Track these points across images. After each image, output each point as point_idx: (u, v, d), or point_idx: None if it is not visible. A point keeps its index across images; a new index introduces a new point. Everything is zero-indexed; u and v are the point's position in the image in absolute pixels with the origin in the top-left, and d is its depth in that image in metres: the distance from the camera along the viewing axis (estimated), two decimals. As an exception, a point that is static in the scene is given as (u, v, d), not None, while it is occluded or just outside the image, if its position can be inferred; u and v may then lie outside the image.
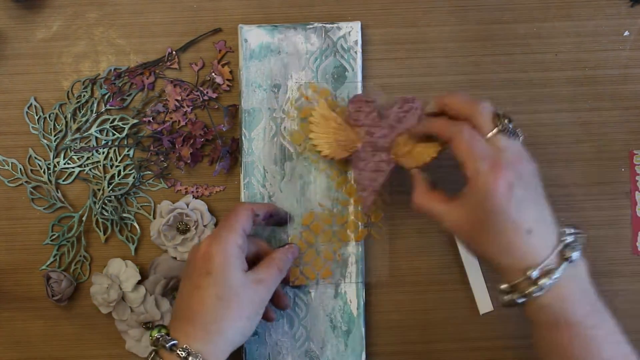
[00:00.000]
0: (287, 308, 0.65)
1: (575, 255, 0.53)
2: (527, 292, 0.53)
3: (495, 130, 0.54)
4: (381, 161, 0.62)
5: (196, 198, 0.68)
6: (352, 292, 0.67)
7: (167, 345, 0.54)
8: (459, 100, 0.57)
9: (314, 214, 0.66)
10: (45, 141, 0.68)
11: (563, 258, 0.53)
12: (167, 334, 0.55)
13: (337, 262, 0.66)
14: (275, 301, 0.64)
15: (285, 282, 0.65)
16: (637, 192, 0.68)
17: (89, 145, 0.68)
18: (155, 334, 0.55)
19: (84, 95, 0.67)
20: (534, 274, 0.52)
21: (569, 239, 0.54)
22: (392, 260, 0.68)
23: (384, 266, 0.68)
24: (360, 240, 0.66)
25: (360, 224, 0.66)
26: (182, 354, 0.53)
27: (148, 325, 0.66)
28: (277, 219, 0.65)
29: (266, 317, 0.63)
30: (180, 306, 0.57)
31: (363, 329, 0.67)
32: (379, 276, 0.68)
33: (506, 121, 0.54)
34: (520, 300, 0.53)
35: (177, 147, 0.67)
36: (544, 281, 0.52)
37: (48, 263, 0.68)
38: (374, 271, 0.68)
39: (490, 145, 0.54)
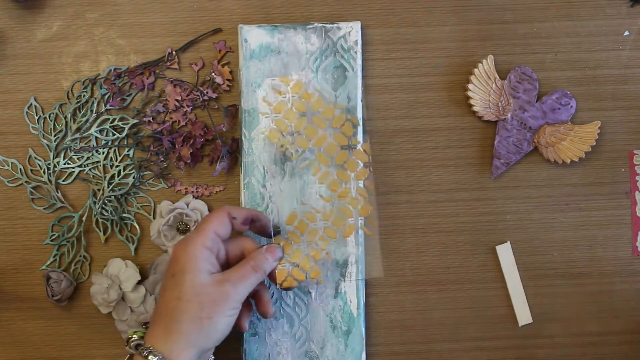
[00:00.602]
0: (269, 317, 0.62)
1: None
2: None
3: None
4: (524, 140, 0.65)
5: (196, 198, 0.68)
6: (352, 292, 0.67)
7: (133, 345, 0.57)
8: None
9: (297, 212, 0.65)
10: (45, 141, 0.68)
11: None
12: (141, 337, 0.58)
13: (327, 261, 0.65)
14: (258, 308, 0.62)
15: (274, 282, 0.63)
16: (637, 192, 0.68)
17: (89, 145, 0.68)
18: (131, 334, 0.58)
19: (84, 95, 0.67)
20: None
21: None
22: (389, 258, 0.68)
23: (377, 263, 0.67)
24: (349, 236, 0.65)
25: (348, 220, 0.64)
26: (144, 353, 0.54)
27: (148, 325, 0.66)
28: (260, 227, 0.63)
29: (238, 324, 0.60)
30: (154, 309, 0.58)
31: (363, 329, 0.67)
32: (372, 273, 0.67)
33: None
34: None
35: (177, 147, 0.67)
36: None
37: (48, 263, 0.68)
38: (367, 268, 0.67)
39: None
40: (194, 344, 0.55)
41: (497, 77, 0.67)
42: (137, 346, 0.57)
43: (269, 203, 0.66)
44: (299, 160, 0.64)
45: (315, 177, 0.64)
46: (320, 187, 0.65)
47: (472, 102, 0.66)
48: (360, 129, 0.66)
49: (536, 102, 0.67)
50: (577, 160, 0.66)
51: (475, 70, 0.66)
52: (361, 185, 0.65)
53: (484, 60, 0.66)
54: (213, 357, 0.60)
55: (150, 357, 0.54)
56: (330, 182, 0.65)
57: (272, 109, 0.65)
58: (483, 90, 0.66)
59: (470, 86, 0.66)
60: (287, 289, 0.63)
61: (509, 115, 0.66)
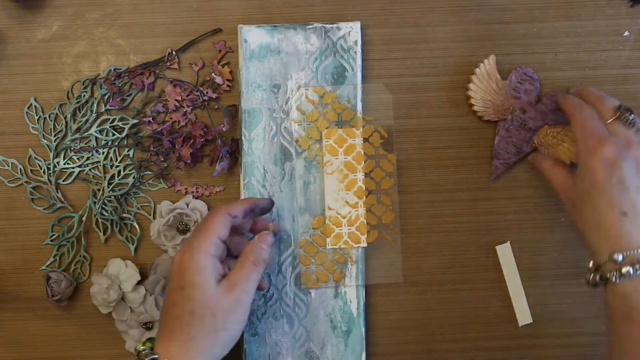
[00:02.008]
0: (263, 289, 0.65)
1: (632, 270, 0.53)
2: (608, 275, 0.53)
3: (613, 118, 0.58)
4: (523, 140, 0.66)
5: (196, 198, 0.68)
6: (352, 292, 0.67)
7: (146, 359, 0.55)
8: (592, 91, 0.62)
9: (324, 217, 0.66)
10: (45, 141, 0.68)
11: (618, 270, 0.53)
12: (152, 348, 0.56)
13: (351, 265, 0.66)
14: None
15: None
16: (637, 192, 0.68)
17: (89, 146, 0.68)
18: (140, 347, 0.57)
19: (84, 96, 0.67)
20: (619, 258, 0.53)
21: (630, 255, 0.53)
22: (404, 262, 0.68)
23: (397, 268, 0.68)
24: (372, 242, 0.66)
25: (371, 226, 0.66)
26: None
27: (148, 325, 0.66)
28: (260, 211, 0.62)
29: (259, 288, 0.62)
30: (162, 321, 0.57)
31: (363, 329, 0.67)
32: (391, 278, 0.67)
33: (627, 113, 0.58)
34: (600, 282, 0.54)
35: (177, 147, 0.67)
36: (627, 269, 0.52)
37: (48, 263, 0.68)
38: (385, 274, 0.67)
39: (606, 128, 0.58)
40: (212, 355, 0.55)
41: (499, 77, 0.67)
42: None
43: (269, 203, 0.66)
44: (327, 167, 0.65)
45: (342, 184, 0.66)
46: (347, 194, 0.66)
47: (472, 101, 0.66)
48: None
49: (536, 103, 0.67)
50: (576, 162, 0.66)
51: (477, 69, 0.66)
52: (385, 193, 0.66)
53: (486, 60, 0.66)
54: None
55: None
56: (356, 189, 0.66)
57: (305, 117, 0.66)
58: (484, 90, 0.66)
59: (471, 86, 0.66)
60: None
61: (510, 115, 0.66)
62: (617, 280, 0.53)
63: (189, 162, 0.67)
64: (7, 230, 0.68)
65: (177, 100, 0.67)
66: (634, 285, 0.52)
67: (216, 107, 0.68)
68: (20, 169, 0.68)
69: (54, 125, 0.68)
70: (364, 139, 0.66)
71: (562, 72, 0.68)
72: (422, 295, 0.69)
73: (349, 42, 0.66)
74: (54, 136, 0.68)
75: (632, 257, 0.52)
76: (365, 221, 0.66)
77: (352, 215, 0.66)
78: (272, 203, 0.63)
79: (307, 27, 0.66)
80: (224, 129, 0.66)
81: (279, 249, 0.66)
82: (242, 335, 0.66)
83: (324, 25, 0.66)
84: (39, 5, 0.68)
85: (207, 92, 0.67)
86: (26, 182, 0.68)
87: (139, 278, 0.66)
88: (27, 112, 0.68)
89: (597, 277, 0.54)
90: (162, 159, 0.67)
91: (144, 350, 0.56)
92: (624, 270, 0.52)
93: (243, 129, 0.66)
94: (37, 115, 0.68)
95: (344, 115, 0.66)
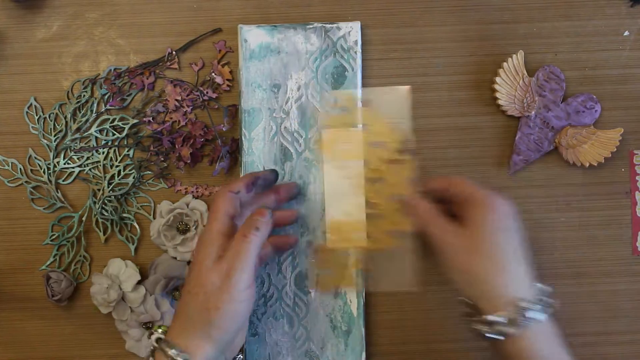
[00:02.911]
0: (293, 245, 0.64)
1: (539, 316, 0.54)
2: (483, 330, 0.53)
3: None
4: (545, 139, 0.66)
5: (196, 198, 0.68)
6: (352, 292, 0.67)
7: (154, 339, 0.56)
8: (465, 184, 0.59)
9: (340, 222, 0.66)
10: (45, 141, 0.68)
11: (523, 315, 0.53)
12: (165, 332, 0.57)
13: (370, 272, 0.66)
14: (280, 245, 0.64)
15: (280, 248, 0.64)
16: (637, 192, 0.68)
17: (89, 145, 0.68)
18: (156, 328, 0.57)
19: (84, 95, 0.67)
20: (494, 317, 0.53)
21: (538, 299, 0.54)
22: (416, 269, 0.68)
23: (411, 276, 0.67)
24: (390, 248, 0.66)
25: (389, 232, 0.66)
26: (164, 347, 0.54)
27: (148, 325, 0.66)
28: (264, 182, 0.62)
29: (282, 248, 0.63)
30: (177, 306, 0.58)
31: (363, 329, 0.67)
32: (403, 285, 0.67)
33: None
34: (476, 330, 0.54)
35: (177, 147, 0.67)
36: (501, 328, 0.53)
37: (48, 263, 0.68)
38: (397, 280, 0.67)
39: None
40: (208, 337, 0.54)
41: (525, 73, 0.67)
42: (157, 340, 0.56)
43: (268, 203, 0.66)
44: (342, 169, 0.66)
45: (359, 188, 0.66)
46: (363, 198, 0.66)
47: (497, 95, 0.67)
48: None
49: (561, 102, 0.67)
50: (595, 164, 0.67)
51: (504, 64, 0.67)
52: (404, 199, 0.66)
53: (514, 55, 0.67)
54: (241, 357, 0.60)
55: (171, 351, 0.53)
56: (373, 193, 0.66)
57: (331, 121, 0.66)
58: (510, 85, 0.67)
59: (497, 79, 0.67)
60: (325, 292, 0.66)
61: (533, 112, 0.67)
62: (492, 335, 0.53)
63: (189, 162, 0.67)
64: (6, 230, 0.68)
65: (177, 100, 0.67)
66: (511, 341, 0.53)
67: (216, 107, 0.68)
68: (20, 168, 0.68)
69: (54, 125, 0.68)
70: (382, 142, 0.66)
71: (562, 72, 0.68)
72: (422, 295, 0.69)
73: (349, 42, 0.66)
74: (54, 136, 0.68)
75: (506, 317, 0.53)
76: (380, 226, 0.66)
77: (367, 220, 0.66)
78: (275, 173, 0.63)
79: (307, 27, 0.66)
80: (224, 129, 0.66)
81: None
82: (242, 335, 0.66)
83: (324, 25, 0.66)
84: (39, 5, 0.68)
85: (207, 92, 0.67)
86: (26, 182, 0.68)
87: (139, 278, 0.66)
88: (27, 112, 0.68)
89: (474, 326, 0.54)
90: (162, 158, 0.67)
91: (154, 333, 0.57)
92: (498, 328, 0.53)
93: (243, 129, 0.66)
94: (37, 115, 0.68)
95: (364, 119, 0.66)
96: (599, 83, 0.68)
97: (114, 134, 0.68)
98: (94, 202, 0.67)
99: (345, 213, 0.66)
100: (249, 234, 0.56)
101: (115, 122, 0.67)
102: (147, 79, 0.67)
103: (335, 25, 0.66)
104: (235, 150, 0.67)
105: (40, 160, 0.68)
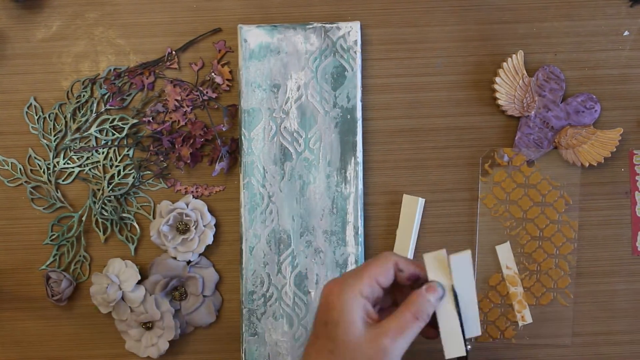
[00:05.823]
0: (433, 338, 0.56)
1: None
2: None
3: None
4: (544, 138, 0.66)
5: (196, 198, 0.68)
6: (351, 292, 0.66)
7: None
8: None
9: (501, 275, 0.67)
10: (45, 141, 0.68)
11: None
12: None
13: (519, 323, 0.67)
14: (427, 333, 0.56)
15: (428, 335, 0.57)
16: (636, 192, 0.68)
17: (89, 145, 0.68)
18: None
19: (84, 95, 0.67)
20: None
21: None
22: (574, 326, 0.68)
23: (567, 333, 0.68)
24: (545, 303, 0.67)
25: (547, 288, 0.67)
26: None
27: (148, 325, 0.66)
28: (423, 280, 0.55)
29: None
30: (306, 351, 0.54)
31: (363, 329, 0.67)
32: (560, 339, 0.68)
33: None
34: None
35: (176, 147, 0.67)
36: None
37: (48, 263, 0.68)
38: (555, 334, 0.68)
39: None
40: None
41: (525, 73, 0.67)
42: None
43: (269, 203, 0.66)
44: (509, 227, 0.67)
45: (523, 244, 0.67)
46: (527, 256, 0.67)
47: (497, 95, 0.67)
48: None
49: (561, 102, 0.67)
50: (595, 164, 0.67)
51: (504, 64, 0.67)
52: (564, 258, 0.67)
53: (514, 55, 0.67)
54: None
55: None
56: (535, 252, 0.67)
57: (492, 177, 0.67)
58: (510, 85, 0.67)
59: (497, 79, 0.67)
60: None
61: (533, 112, 0.67)
62: None
63: (188, 162, 0.67)
64: (6, 230, 0.68)
65: (177, 100, 0.67)
66: None
67: (216, 107, 0.68)
68: (20, 168, 0.68)
69: (54, 125, 0.68)
70: (548, 204, 0.67)
71: (562, 72, 0.68)
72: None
73: (349, 42, 0.66)
74: (54, 136, 0.68)
75: None
76: (540, 283, 0.67)
77: (529, 277, 0.67)
78: (443, 291, 0.54)
79: (307, 27, 0.66)
80: (223, 129, 0.66)
81: (278, 249, 0.66)
82: (242, 335, 0.66)
83: (323, 25, 0.66)
84: (39, 5, 0.68)
85: (207, 92, 0.67)
86: (26, 182, 0.68)
87: (139, 278, 0.66)
88: (26, 112, 0.68)
89: None
90: (162, 158, 0.67)
91: None
92: None
93: (243, 129, 0.66)
94: (37, 115, 0.68)
95: (530, 179, 0.67)
96: (599, 83, 0.68)
97: (113, 134, 0.68)
98: (94, 202, 0.67)
99: (510, 268, 0.67)
100: (422, 317, 0.53)
101: (115, 122, 0.67)
102: (147, 78, 0.67)
103: (335, 25, 0.66)
104: (235, 150, 0.67)
105: (40, 160, 0.68)
